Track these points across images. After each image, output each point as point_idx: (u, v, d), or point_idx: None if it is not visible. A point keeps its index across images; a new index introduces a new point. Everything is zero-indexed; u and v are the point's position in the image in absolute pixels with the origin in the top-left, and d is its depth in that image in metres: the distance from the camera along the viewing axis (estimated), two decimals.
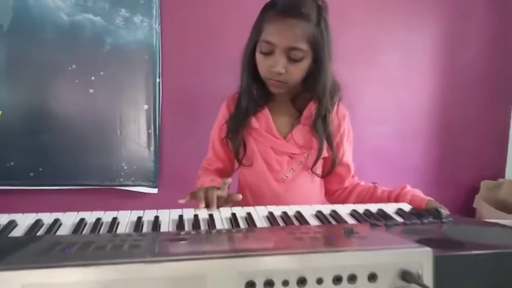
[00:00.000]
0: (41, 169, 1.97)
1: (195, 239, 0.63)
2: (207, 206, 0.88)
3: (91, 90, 1.97)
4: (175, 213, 0.83)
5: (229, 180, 0.94)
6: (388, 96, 2.25)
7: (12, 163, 1.94)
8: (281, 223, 0.79)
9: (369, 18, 2.16)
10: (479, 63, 2.31)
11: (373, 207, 0.90)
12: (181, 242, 0.60)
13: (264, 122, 1.10)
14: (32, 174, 1.97)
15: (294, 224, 0.79)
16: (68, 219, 0.78)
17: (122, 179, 2.03)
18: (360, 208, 0.89)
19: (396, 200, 1.01)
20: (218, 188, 0.92)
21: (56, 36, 1.91)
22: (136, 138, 2.03)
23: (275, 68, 0.97)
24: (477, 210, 2.24)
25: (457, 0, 2.24)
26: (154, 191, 2.07)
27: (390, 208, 0.90)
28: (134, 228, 0.75)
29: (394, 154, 2.29)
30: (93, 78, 1.96)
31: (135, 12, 1.95)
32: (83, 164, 2.00)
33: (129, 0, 1.94)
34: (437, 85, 2.29)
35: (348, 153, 1.14)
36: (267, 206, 0.88)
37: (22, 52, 1.89)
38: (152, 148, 2.04)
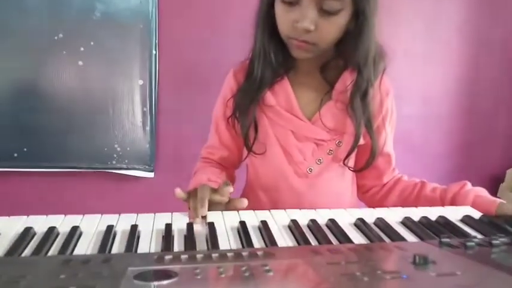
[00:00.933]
0: (25, 149, 1.73)
1: (186, 277, 0.37)
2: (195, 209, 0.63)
3: (80, 62, 1.71)
4: (161, 220, 0.58)
5: (231, 188, 0.67)
6: (409, 73, 1.97)
7: None
8: (311, 239, 0.54)
9: None
10: (510, 35, 2.03)
11: (430, 213, 0.64)
12: (164, 283, 0.35)
13: (282, 97, 0.82)
14: (15, 155, 1.73)
15: (328, 239, 0.54)
16: (12, 226, 0.53)
17: (114, 162, 1.79)
18: (414, 214, 0.63)
19: (453, 202, 0.75)
20: (216, 190, 0.67)
21: (41, 2, 1.64)
22: (130, 117, 1.78)
23: (302, 23, 0.69)
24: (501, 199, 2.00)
25: None
26: (150, 175, 1.83)
27: (453, 215, 0.64)
28: (100, 245, 0.50)
29: (415, 139, 2.04)
30: (82, 48, 1.70)
31: None
32: (71, 145, 1.76)
33: None
34: (464, 61, 2.01)
35: (389, 141, 0.87)
36: (287, 210, 0.63)
37: (3, 20, 1.63)
38: (148, 128, 1.79)
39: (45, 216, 0.58)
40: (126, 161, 1.80)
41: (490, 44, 2.02)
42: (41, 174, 1.76)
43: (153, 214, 0.60)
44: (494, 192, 2.06)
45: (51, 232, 0.52)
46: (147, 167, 1.82)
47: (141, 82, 1.76)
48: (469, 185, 0.77)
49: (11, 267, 0.40)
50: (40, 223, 0.55)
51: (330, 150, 0.82)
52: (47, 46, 1.68)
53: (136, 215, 0.60)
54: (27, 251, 0.48)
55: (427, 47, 1.97)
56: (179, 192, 0.66)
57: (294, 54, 0.77)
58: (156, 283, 0.36)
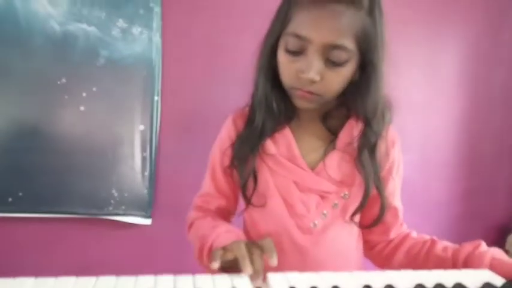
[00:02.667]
0: (20, 194, 1.68)
1: None
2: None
3: (82, 108, 1.69)
4: (163, 285, 0.51)
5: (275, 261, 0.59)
6: (410, 121, 1.95)
7: None
8: None
9: (389, 35, 1.87)
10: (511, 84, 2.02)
11: (445, 278, 0.58)
12: None
13: (284, 145, 0.78)
14: (10, 199, 1.67)
15: None
16: None
17: (111, 208, 1.73)
18: (428, 280, 0.57)
19: (467, 264, 0.69)
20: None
21: (46, 47, 1.64)
22: (129, 162, 1.73)
23: (307, 74, 0.66)
24: (509, 253, 1.91)
25: (487, 14, 1.96)
26: (148, 222, 1.76)
27: (471, 280, 0.58)
28: None
29: (416, 186, 1.99)
30: (84, 94, 1.68)
31: (133, 23, 1.69)
32: (68, 190, 1.71)
33: (127, 10, 1.68)
34: (464, 109, 1.99)
35: (397, 194, 0.82)
36: (287, 274, 0.56)
37: (6, 62, 1.63)
38: (147, 174, 1.74)
39: (33, 278, 0.53)
40: (123, 207, 1.74)
41: (490, 92, 2.01)
42: (36, 220, 1.69)
43: (172, 276, 0.54)
44: (500, 244, 1.97)
45: None
46: (144, 213, 1.76)
47: (142, 127, 1.73)
48: (484, 245, 0.71)
49: None
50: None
51: (335, 203, 0.77)
52: (50, 90, 1.66)
53: (154, 277, 0.54)
54: None
55: (427, 96, 1.95)
56: (213, 264, 0.59)
57: (297, 104, 0.74)
58: None
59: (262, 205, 0.79)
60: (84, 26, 1.67)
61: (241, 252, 0.58)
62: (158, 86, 1.73)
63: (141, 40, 1.70)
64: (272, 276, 0.56)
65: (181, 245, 1.68)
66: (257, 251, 0.59)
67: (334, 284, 0.54)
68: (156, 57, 1.72)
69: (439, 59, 1.95)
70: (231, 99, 1.68)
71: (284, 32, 0.69)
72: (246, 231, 0.87)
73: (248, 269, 0.55)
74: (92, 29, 1.67)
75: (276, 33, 0.71)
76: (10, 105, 1.65)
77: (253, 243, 0.62)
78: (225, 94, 1.72)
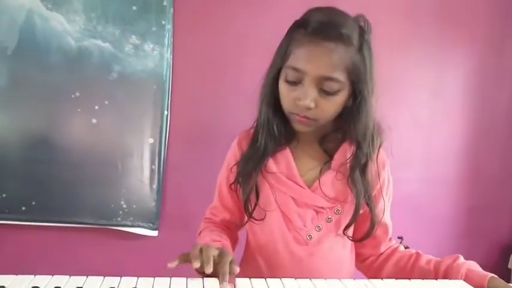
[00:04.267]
0: (33, 203, 1.79)
1: None
2: (201, 267, 0.66)
3: (94, 120, 1.80)
4: (160, 285, 0.61)
5: (237, 269, 0.68)
6: (415, 137, 2.04)
7: (4, 195, 1.77)
8: None
9: (395, 53, 1.97)
10: None
11: (425, 286, 0.67)
12: None
13: (284, 165, 0.88)
14: (23, 208, 1.79)
15: None
16: (19, 285, 0.57)
17: (119, 219, 1.83)
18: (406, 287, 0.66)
19: (446, 275, 0.78)
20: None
21: (61, 62, 1.77)
22: (138, 174, 1.84)
23: (303, 101, 0.77)
24: None
25: (492, 35, 2.05)
26: (154, 233, 1.86)
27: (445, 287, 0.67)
28: None
29: (420, 202, 2.05)
30: (97, 107, 1.80)
31: (146, 40, 1.81)
32: (78, 200, 1.82)
33: (140, 27, 1.80)
34: (469, 127, 2.07)
35: (387, 211, 0.92)
36: (283, 280, 0.66)
37: (25, 76, 1.76)
38: (155, 186, 1.85)
39: (50, 276, 0.63)
40: (131, 218, 1.84)
41: (494, 111, 2.09)
42: (47, 228, 1.81)
43: (152, 278, 0.64)
44: (504, 262, 2.03)
45: None
46: (151, 225, 1.86)
47: (151, 140, 1.84)
48: (461, 259, 0.80)
49: None
50: (46, 282, 0.59)
51: (329, 217, 0.87)
52: (64, 103, 1.78)
53: (137, 278, 0.64)
54: None
55: (432, 114, 2.04)
56: (172, 263, 0.69)
57: (296, 127, 0.84)
58: None
59: (262, 219, 0.89)
60: (99, 42, 1.79)
61: (194, 252, 0.67)
62: (168, 100, 1.84)
63: (153, 56, 1.82)
64: (240, 281, 0.65)
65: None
66: (225, 258, 0.68)
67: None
68: (167, 72, 1.83)
69: (444, 79, 2.03)
70: (237, 115, 1.78)
71: (284, 65, 0.79)
72: (248, 242, 0.97)
73: (195, 263, 0.65)
74: (106, 45, 1.79)
75: (277, 65, 0.81)
76: (26, 118, 1.77)
77: (223, 251, 0.71)
78: (232, 110, 1.82)
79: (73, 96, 1.78)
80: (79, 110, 1.79)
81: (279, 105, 0.83)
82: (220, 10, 1.84)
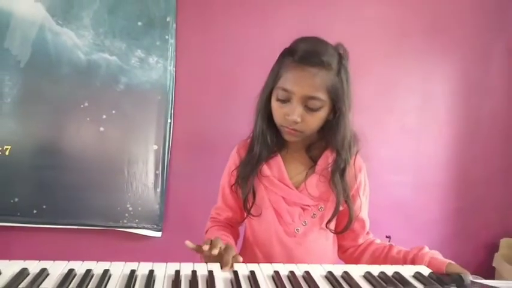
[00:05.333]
0: (44, 206, 1.93)
1: None
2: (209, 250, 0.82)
3: (101, 129, 1.95)
4: (171, 268, 0.76)
5: (240, 259, 0.83)
6: (405, 144, 2.19)
7: (16, 199, 1.91)
8: (288, 285, 0.72)
9: (386, 65, 2.13)
10: (501, 112, 2.24)
11: (389, 270, 0.82)
12: None
13: (276, 169, 1.04)
14: (35, 211, 1.93)
15: (302, 286, 0.72)
16: (56, 269, 0.72)
17: (125, 221, 1.97)
18: (375, 270, 0.81)
19: (413, 262, 0.93)
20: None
21: (72, 74, 1.92)
22: (143, 178, 1.99)
23: (291, 116, 0.93)
24: (496, 269, 2.11)
25: (477, 48, 2.20)
26: (158, 234, 2.01)
27: (408, 271, 0.82)
28: (126, 284, 0.68)
29: (410, 205, 2.20)
30: (104, 116, 1.95)
31: (150, 53, 1.96)
32: (87, 203, 1.96)
33: (145, 41, 1.95)
34: (455, 134, 2.22)
35: (363, 208, 1.07)
36: (273, 264, 0.81)
37: (37, 88, 1.90)
38: (159, 190, 1.99)
39: (80, 262, 0.78)
40: (137, 220, 1.98)
41: (479, 118, 2.23)
42: (57, 230, 1.94)
43: (165, 263, 0.79)
44: (489, 260, 2.17)
45: (88, 274, 0.71)
46: (155, 226, 2.00)
47: (155, 147, 1.99)
48: (426, 249, 0.95)
49: None
50: (78, 266, 0.75)
51: (314, 214, 1.03)
52: (74, 113, 1.92)
53: (152, 263, 0.79)
54: (72, 285, 0.67)
55: (420, 122, 2.19)
56: (188, 242, 0.85)
57: (286, 137, 1.01)
58: None
59: (259, 215, 1.06)
60: (107, 55, 1.94)
61: (205, 240, 0.84)
62: (171, 109, 1.99)
63: (157, 68, 1.97)
64: (238, 265, 0.80)
65: (189, 256, 1.92)
66: (230, 251, 0.83)
67: (307, 269, 0.79)
68: (170, 84, 1.98)
69: (432, 88, 2.19)
70: (235, 123, 1.93)
71: (276, 86, 0.96)
72: (247, 235, 1.13)
73: (205, 246, 0.82)
74: (113, 58, 1.94)
75: (270, 86, 0.98)
76: (38, 126, 1.92)
77: (228, 246, 0.86)
78: (230, 118, 1.97)
79: (82, 106, 1.93)
80: (88, 119, 1.94)
81: (272, 119, 1.00)
82: (220, 26, 1.99)
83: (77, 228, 1.96)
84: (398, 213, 2.15)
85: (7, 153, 1.90)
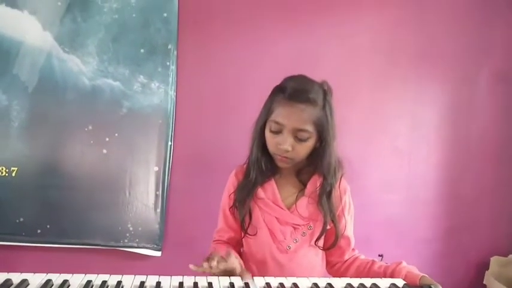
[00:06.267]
0: (48, 226, 2.04)
1: None
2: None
3: (104, 151, 2.07)
4: (176, 280, 0.89)
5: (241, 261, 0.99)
6: (396, 164, 2.32)
7: (21, 219, 2.02)
8: None
9: (376, 89, 2.28)
10: (489, 133, 2.38)
11: (368, 282, 0.95)
12: None
13: (270, 192, 1.18)
14: (39, 231, 2.04)
15: None
16: (76, 281, 0.85)
17: (126, 240, 2.09)
18: (355, 282, 0.95)
19: (392, 275, 1.07)
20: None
21: (77, 99, 2.05)
22: (144, 199, 2.11)
23: (283, 146, 1.07)
24: (487, 287, 2.23)
25: (465, 71, 2.35)
26: (158, 254, 2.12)
27: (384, 283, 0.95)
28: None
29: (402, 224, 2.32)
30: (107, 139, 2.07)
31: (152, 79, 2.10)
32: (89, 223, 2.07)
33: (147, 68, 2.09)
34: (445, 155, 2.36)
35: (348, 227, 1.21)
36: (265, 277, 0.94)
37: (43, 112, 2.03)
38: (159, 210, 2.11)
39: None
40: (137, 240, 2.10)
41: (468, 139, 2.37)
42: (60, 249, 2.05)
43: (170, 276, 0.92)
44: (479, 278, 2.29)
45: (104, 285, 0.84)
46: (155, 246, 2.11)
47: (156, 168, 2.12)
48: (404, 263, 1.09)
49: None
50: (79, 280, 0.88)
51: (304, 232, 1.17)
52: (78, 136, 2.05)
53: (158, 276, 0.92)
54: None
55: (411, 143, 2.33)
56: (192, 266, 0.98)
57: (278, 164, 1.16)
58: None
59: (254, 234, 1.20)
60: (110, 81, 2.08)
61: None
62: (172, 132, 2.12)
63: (159, 93, 2.11)
64: (233, 279, 0.94)
65: (188, 275, 2.03)
66: (231, 258, 0.97)
67: (294, 281, 0.92)
68: (171, 108, 2.12)
69: (421, 111, 2.34)
70: (233, 146, 2.05)
71: (269, 119, 1.11)
72: (244, 252, 1.27)
73: (204, 264, 0.95)
74: (116, 83, 2.08)
75: (263, 118, 1.13)
76: (43, 148, 2.04)
77: (229, 252, 1.00)
78: (229, 141, 2.09)
79: (86, 129, 2.06)
80: (91, 141, 2.06)
81: (266, 147, 1.14)
82: (219, 53, 2.15)
83: (80, 248, 2.06)
84: (391, 231, 2.28)
85: (14, 174, 2.03)
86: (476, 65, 2.38)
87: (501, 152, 2.41)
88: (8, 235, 2.01)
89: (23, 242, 2.03)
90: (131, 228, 2.10)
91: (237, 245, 1.28)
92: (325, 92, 1.10)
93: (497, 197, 2.41)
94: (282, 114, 1.07)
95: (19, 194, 2.03)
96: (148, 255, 2.12)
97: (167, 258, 2.12)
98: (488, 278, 2.23)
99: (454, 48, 2.35)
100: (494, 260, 2.28)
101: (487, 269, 2.29)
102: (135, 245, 2.10)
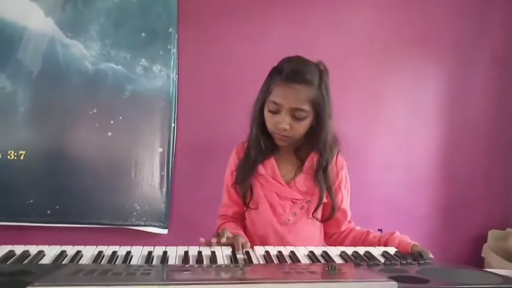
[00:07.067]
0: (57, 207, 2.11)
1: (196, 271, 0.75)
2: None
3: (109, 133, 2.14)
4: (181, 250, 0.95)
5: (249, 244, 1.03)
6: (396, 146, 2.37)
7: (31, 200, 2.10)
8: (275, 261, 0.91)
9: (376, 71, 2.32)
10: (485, 115, 2.43)
11: (362, 250, 1.01)
12: (186, 272, 0.73)
13: (270, 169, 1.24)
14: (48, 212, 2.11)
15: (286, 261, 0.91)
16: (88, 252, 0.91)
17: (133, 219, 2.16)
18: (349, 250, 1.01)
19: (385, 244, 1.13)
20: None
21: (80, 83, 2.10)
22: (149, 179, 2.17)
23: (281, 125, 1.12)
24: (485, 259, 2.29)
25: (463, 54, 2.39)
26: (164, 231, 2.19)
27: (377, 251, 1.01)
28: (145, 260, 0.88)
29: (402, 202, 2.38)
30: (112, 122, 2.13)
31: (154, 62, 2.14)
32: (97, 204, 2.14)
33: (149, 51, 2.14)
34: (442, 135, 2.41)
35: (345, 200, 1.27)
36: (265, 246, 1.00)
37: (48, 96, 2.09)
38: (164, 190, 2.18)
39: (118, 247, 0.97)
40: (144, 218, 2.17)
41: (463, 120, 2.43)
42: (69, 229, 2.12)
43: (175, 246, 0.98)
44: (478, 251, 2.36)
45: (114, 255, 0.91)
46: (162, 224, 2.19)
47: (160, 150, 2.18)
48: (397, 233, 1.16)
49: (98, 267, 0.78)
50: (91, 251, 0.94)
51: (302, 206, 1.23)
52: (83, 119, 2.11)
53: (165, 247, 0.98)
54: (103, 262, 0.87)
55: (410, 124, 2.38)
56: (202, 239, 1.04)
57: (277, 142, 1.21)
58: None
59: (256, 208, 1.26)
60: (113, 65, 2.13)
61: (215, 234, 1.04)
62: (175, 115, 2.18)
63: (161, 76, 2.16)
64: (256, 248, 1.00)
65: None
66: (238, 239, 1.02)
67: (292, 250, 0.98)
68: (173, 90, 2.17)
69: (420, 94, 2.39)
70: (235, 126, 2.09)
71: (267, 99, 1.15)
72: (247, 225, 1.33)
73: (213, 239, 1.02)
74: (119, 67, 2.13)
75: (262, 98, 1.18)
76: (49, 133, 2.11)
77: (237, 235, 1.07)
78: (230, 122, 2.13)
79: (91, 113, 2.12)
80: (96, 124, 2.13)
81: (265, 127, 1.19)
82: (219, 35, 2.19)
83: (88, 227, 2.14)
84: (390, 209, 2.34)
85: (22, 157, 2.09)
86: (474, 48, 2.41)
87: (496, 132, 2.46)
88: (19, 216, 2.09)
89: (33, 223, 2.10)
90: (138, 208, 2.17)
91: (241, 219, 1.34)
92: (321, 72, 1.15)
93: (493, 175, 2.46)
94: (279, 95, 1.12)
95: (28, 176, 2.09)
96: (155, 233, 2.19)
97: (173, 235, 2.19)
98: (486, 251, 2.29)
99: (451, 32, 2.39)
100: (492, 234, 2.35)
101: (485, 242, 2.35)
102: (142, 223, 2.18)
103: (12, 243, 0.92)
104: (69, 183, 2.12)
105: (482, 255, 2.32)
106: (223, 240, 1.01)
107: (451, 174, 2.43)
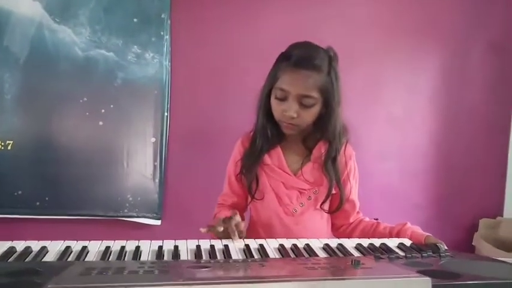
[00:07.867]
0: (47, 198, 2.04)
1: (216, 267, 0.70)
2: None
3: (100, 123, 2.06)
4: (192, 244, 0.90)
5: (242, 225, 1.01)
6: (391, 134, 2.36)
7: (20, 192, 2.02)
8: (292, 255, 0.87)
9: (373, 60, 2.29)
10: (481, 104, 2.43)
11: (377, 242, 0.98)
12: (205, 269, 0.68)
13: (276, 158, 1.19)
14: (38, 203, 2.04)
15: (303, 255, 0.87)
16: (94, 247, 0.85)
17: (126, 210, 2.10)
18: (365, 242, 0.97)
19: (397, 236, 1.10)
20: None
21: (70, 70, 2.02)
22: (142, 170, 2.11)
23: (288, 112, 1.07)
24: (476, 248, 2.31)
25: (459, 42, 2.38)
26: (158, 222, 2.14)
27: (392, 243, 0.98)
28: (156, 256, 0.83)
29: (397, 191, 2.38)
30: (103, 110, 2.06)
31: (146, 49, 2.07)
32: (88, 195, 2.08)
33: (141, 37, 2.06)
34: (438, 124, 2.40)
35: (353, 191, 1.23)
36: (278, 239, 0.96)
37: (36, 84, 2.00)
38: (157, 180, 2.12)
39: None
40: (137, 209, 2.11)
41: (459, 109, 2.42)
42: (59, 221, 2.05)
43: (185, 240, 0.93)
44: (469, 240, 2.37)
45: (123, 250, 0.85)
46: (155, 215, 2.13)
47: (153, 139, 2.12)
48: (408, 224, 1.12)
49: (110, 264, 0.73)
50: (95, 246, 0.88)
51: (309, 196, 1.19)
52: (73, 108, 2.03)
53: (162, 241, 0.93)
54: (111, 258, 0.81)
55: (405, 112, 2.36)
56: (202, 229, 1.00)
57: (284, 131, 1.16)
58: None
59: (262, 198, 1.21)
60: (104, 51, 2.05)
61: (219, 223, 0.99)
62: (168, 103, 2.11)
63: (153, 64, 2.08)
64: (247, 241, 0.95)
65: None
66: (231, 221, 0.99)
67: (307, 242, 0.94)
68: (166, 78, 2.10)
69: (416, 81, 2.36)
70: (230, 115, 2.07)
71: (274, 86, 1.10)
72: (251, 218, 1.28)
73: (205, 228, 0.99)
74: (110, 54, 2.05)
75: (269, 86, 1.12)
76: (38, 121, 2.02)
77: (231, 216, 1.02)
78: (224, 111, 2.11)
79: (81, 101, 2.04)
80: (87, 113, 2.05)
81: (271, 115, 1.14)
82: (213, 21, 2.12)
83: (79, 219, 2.07)
84: (385, 198, 2.33)
85: (9, 147, 2.00)
86: (470, 36, 2.40)
87: (491, 121, 2.46)
88: (7, 208, 2.01)
89: (22, 215, 2.03)
90: (130, 199, 2.11)
91: (240, 210, 1.29)
92: (331, 57, 1.10)
93: (486, 164, 2.47)
94: (287, 81, 1.07)
95: (16, 167, 2.02)
96: (148, 224, 2.14)
97: (167, 226, 2.14)
98: (477, 239, 2.31)
99: (448, 19, 2.36)
100: (483, 222, 2.36)
101: (476, 230, 2.36)
102: (135, 214, 2.12)
103: (2, 237, 0.86)
104: (58, 173, 2.05)
105: (473, 243, 2.34)
106: (220, 228, 0.98)
107: (445, 163, 2.43)
